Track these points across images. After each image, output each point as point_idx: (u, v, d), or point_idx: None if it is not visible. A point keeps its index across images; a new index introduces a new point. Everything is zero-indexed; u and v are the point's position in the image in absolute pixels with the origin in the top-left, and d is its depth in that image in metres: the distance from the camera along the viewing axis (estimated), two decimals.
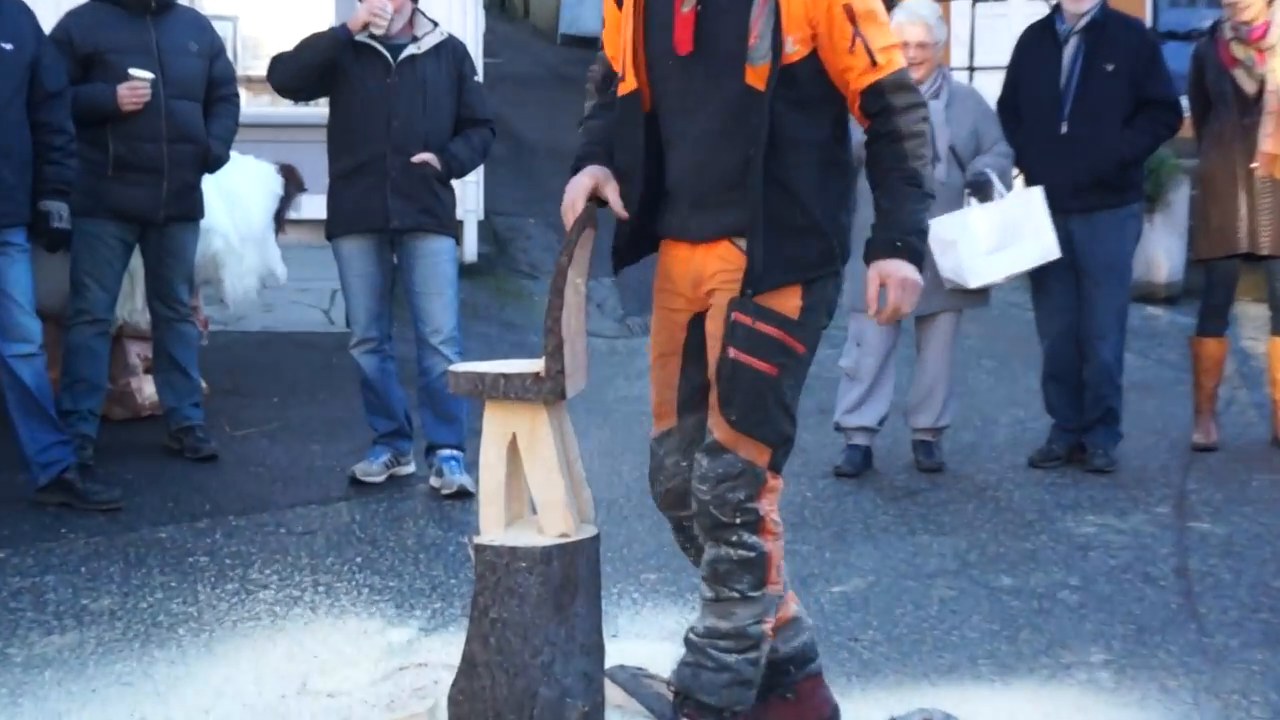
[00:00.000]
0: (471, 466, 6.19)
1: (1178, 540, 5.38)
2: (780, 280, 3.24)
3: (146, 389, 6.79)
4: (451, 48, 5.76)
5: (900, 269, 3.21)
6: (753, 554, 3.37)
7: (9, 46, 5.23)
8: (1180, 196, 9.94)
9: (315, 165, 6.43)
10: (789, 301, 3.25)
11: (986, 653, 4.27)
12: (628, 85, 3.39)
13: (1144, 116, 6.07)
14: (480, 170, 8.01)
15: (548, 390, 3.31)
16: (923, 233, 3.31)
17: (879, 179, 3.30)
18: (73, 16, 5.87)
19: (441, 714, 3.48)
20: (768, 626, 3.38)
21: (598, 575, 3.52)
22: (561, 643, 3.28)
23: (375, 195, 5.54)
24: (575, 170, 3.51)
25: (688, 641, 3.47)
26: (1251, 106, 6.36)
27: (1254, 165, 6.29)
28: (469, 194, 9.44)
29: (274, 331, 8.76)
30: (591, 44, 19.05)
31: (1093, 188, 5.99)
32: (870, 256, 3.25)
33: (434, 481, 5.75)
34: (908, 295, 3.24)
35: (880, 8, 3.32)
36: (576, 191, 3.43)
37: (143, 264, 6.15)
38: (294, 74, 5.62)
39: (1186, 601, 4.70)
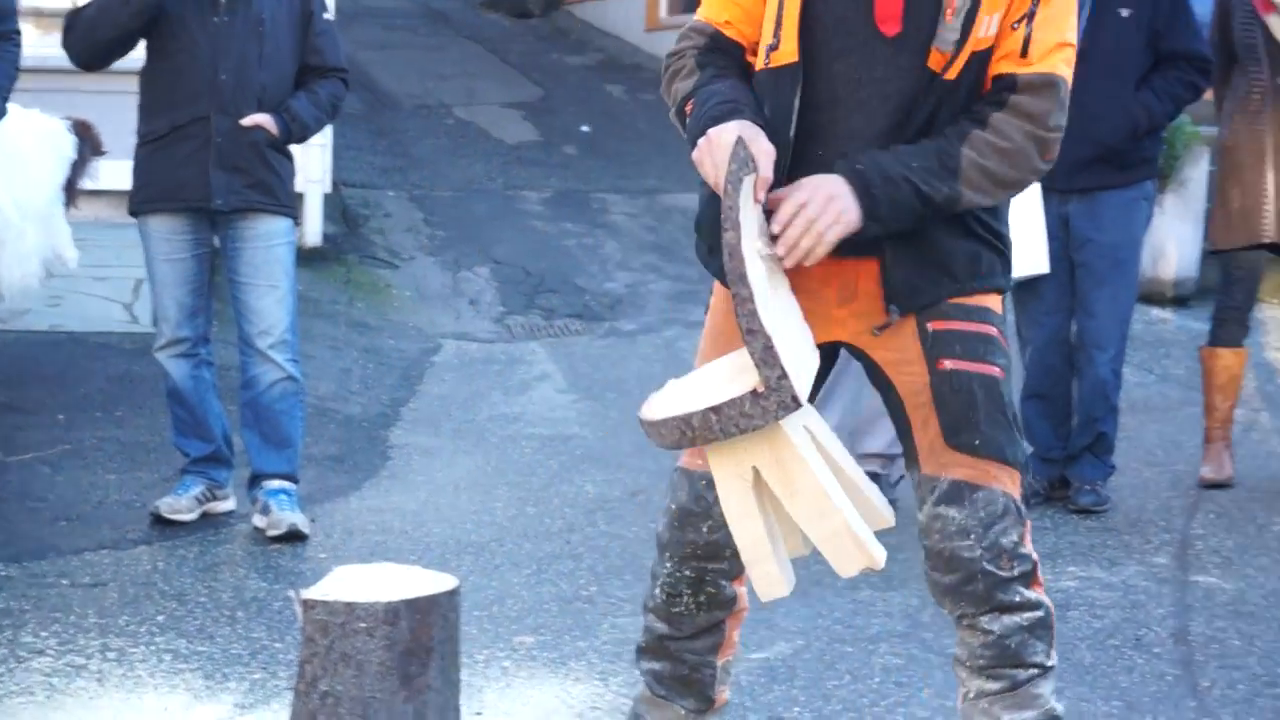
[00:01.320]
0: (306, 501, 6.37)
1: (1178, 598, 5.51)
2: (986, 284, 3.38)
3: None
4: None
5: (833, 184, 3.21)
6: (1041, 612, 3.43)
7: None
8: (1198, 173, 10.11)
9: (119, 123, 6.55)
10: (988, 300, 3.39)
11: None
12: (784, 56, 3.37)
13: (1164, 74, 6.19)
14: (328, 132, 8.08)
15: (776, 406, 3.14)
16: (896, 185, 3.26)
17: (935, 140, 3.33)
18: None
19: None
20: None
21: (456, 639, 3.57)
22: None
23: (194, 165, 5.58)
24: (721, 121, 3.38)
25: None
26: None
27: None
28: (313, 161, 9.66)
29: (62, 331, 8.92)
30: None
31: (1097, 162, 6.09)
32: (835, 169, 3.28)
33: (258, 520, 5.82)
34: (826, 217, 3.19)
35: (1074, 6, 3.40)
36: (723, 141, 3.30)
37: None
38: (90, 51, 5.72)
39: (1185, 673, 4.79)
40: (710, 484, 3.42)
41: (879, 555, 3.19)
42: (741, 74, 3.43)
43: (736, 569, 3.56)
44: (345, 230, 11.09)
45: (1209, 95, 7.00)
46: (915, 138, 3.28)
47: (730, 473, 3.24)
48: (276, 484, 5.78)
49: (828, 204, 3.17)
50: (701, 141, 3.28)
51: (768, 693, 4.57)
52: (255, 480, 5.80)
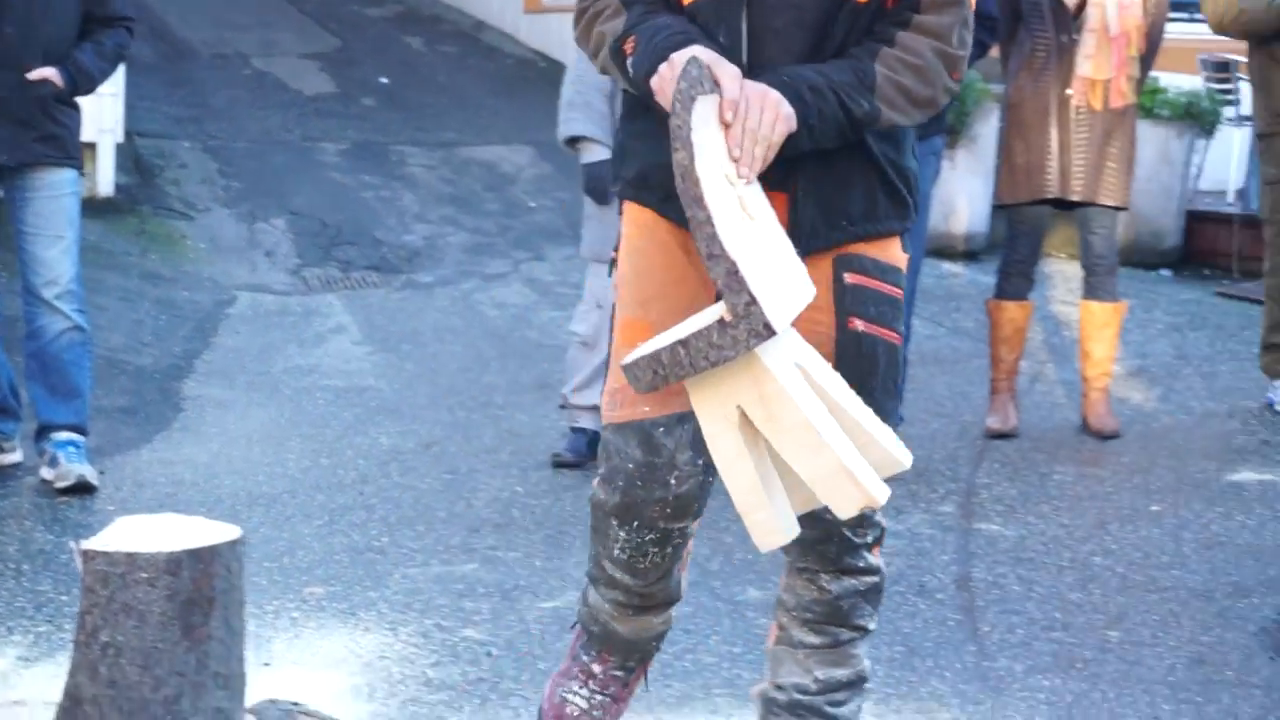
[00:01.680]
0: (95, 454, 6.31)
1: (961, 545, 5.62)
2: (891, 227, 3.31)
3: None
4: None
5: (763, 88, 3.10)
6: (877, 577, 3.45)
7: None
8: (988, 130, 10.29)
9: None
10: (894, 252, 3.32)
11: (724, 680, 4.41)
12: None
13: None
14: (120, 80, 7.97)
15: (746, 334, 2.89)
16: (822, 95, 3.16)
17: (840, 59, 3.24)
18: None
19: None
20: None
21: (240, 589, 3.56)
22: (191, 673, 3.26)
23: None
24: (665, 51, 3.24)
25: (792, 706, 3.51)
26: (1070, 21, 6.59)
27: (1069, 92, 6.57)
28: (105, 110, 9.53)
29: None
30: None
31: None
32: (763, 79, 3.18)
33: (45, 473, 5.76)
34: (767, 116, 3.07)
35: None
36: (676, 63, 3.18)
37: None
38: None
39: (967, 618, 4.91)
40: (667, 430, 3.30)
41: (879, 493, 3.00)
42: (667, 10, 3.31)
43: (693, 522, 3.46)
44: (139, 180, 10.91)
45: (995, 53, 7.13)
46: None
47: (715, 414, 3.03)
48: (64, 435, 5.73)
49: (764, 102, 3.05)
50: (663, 68, 3.14)
51: (557, 641, 4.60)
52: (42, 432, 5.74)
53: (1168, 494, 6.21)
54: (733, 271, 2.84)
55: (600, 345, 6.48)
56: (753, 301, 2.81)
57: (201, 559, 3.23)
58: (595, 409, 6.52)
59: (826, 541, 3.33)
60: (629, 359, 2.97)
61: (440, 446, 7.19)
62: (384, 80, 15.91)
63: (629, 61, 3.27)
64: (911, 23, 3.20)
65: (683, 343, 2.86)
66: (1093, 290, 6.68)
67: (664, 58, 3.13)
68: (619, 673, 3.74)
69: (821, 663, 3.40)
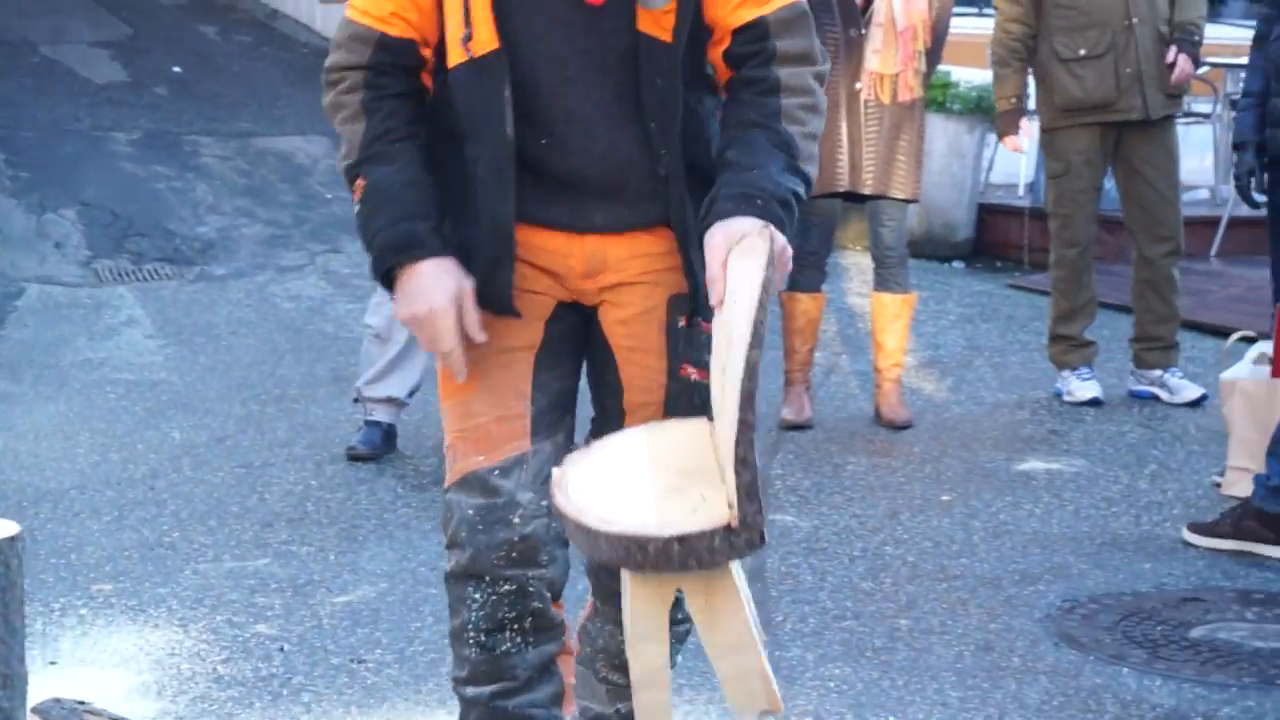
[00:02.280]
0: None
1: None
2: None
3: None
4: None
5: (743, 228, 2.97)
6: (685, 626, 3.27)
7: None
8: None
9: None
10: None
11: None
12: (483, 44, 3.05)
13: None
14: None
15: (744, 544, 2.79)
16: (790, 207, 3.03)
17: (734, 134, 3.10)
18: None
19: None
20: None
21: (20, 586, 3.47)
22: None
23: None
24: (401, 255, 3.09)
25: None
26: (858, 16, 6.72)
27: (859, 86, 6.70)
28: None
29: None
30: None
31: None
32: (715, 216, 2.99)
33: None
34: (738, 254, 2.92)
35: None
36: (441, 306, 3.06)
37: None
38: None
39: (760, 609, 4.92)
40: (504, 473, 3.14)
41: (779, 701, 2.94)
42: (413, 95, 3.14)
43: (556, 578, 3.27)
44: None
45: None
46: (649, 106, 3.06)
47: (650, 594, 2.91)
48: None
49: (783, 251, 2.95)
50: (400, 295, 3.05)
51: (350, 635, 4.62)
52: None
53: (958, 483, 6.35)
54: (754, 482, 2.74)
55: (395, 338, 6.46)
56: (759, 512, 2.70)
57: None
58: (390, 401, 6.59)
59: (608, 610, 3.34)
60: (598, 527, 2.80)
61: (233, 440, 7.10)
62: (177, 69, 15.61)
63: (357, 211, 3.14)
64: (778, 55, 3.06)
65: (681, 539, 2.72)
66: (883, 282, 6.77)
67: (385, 256, 3.03)
68: None
69: (625, 698, 3.28)
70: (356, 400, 6.57)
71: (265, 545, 5.81)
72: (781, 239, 2.89)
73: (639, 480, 2.93)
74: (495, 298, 3.08)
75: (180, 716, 4.25)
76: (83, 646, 4.61)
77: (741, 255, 2.92)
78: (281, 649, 4.63)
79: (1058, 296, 7.22)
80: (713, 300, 2.90)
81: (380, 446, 6.38)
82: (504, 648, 3.22)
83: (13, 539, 3.31)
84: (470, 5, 3.01)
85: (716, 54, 3.10)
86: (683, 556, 2.73)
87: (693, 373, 3.16)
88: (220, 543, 5.74)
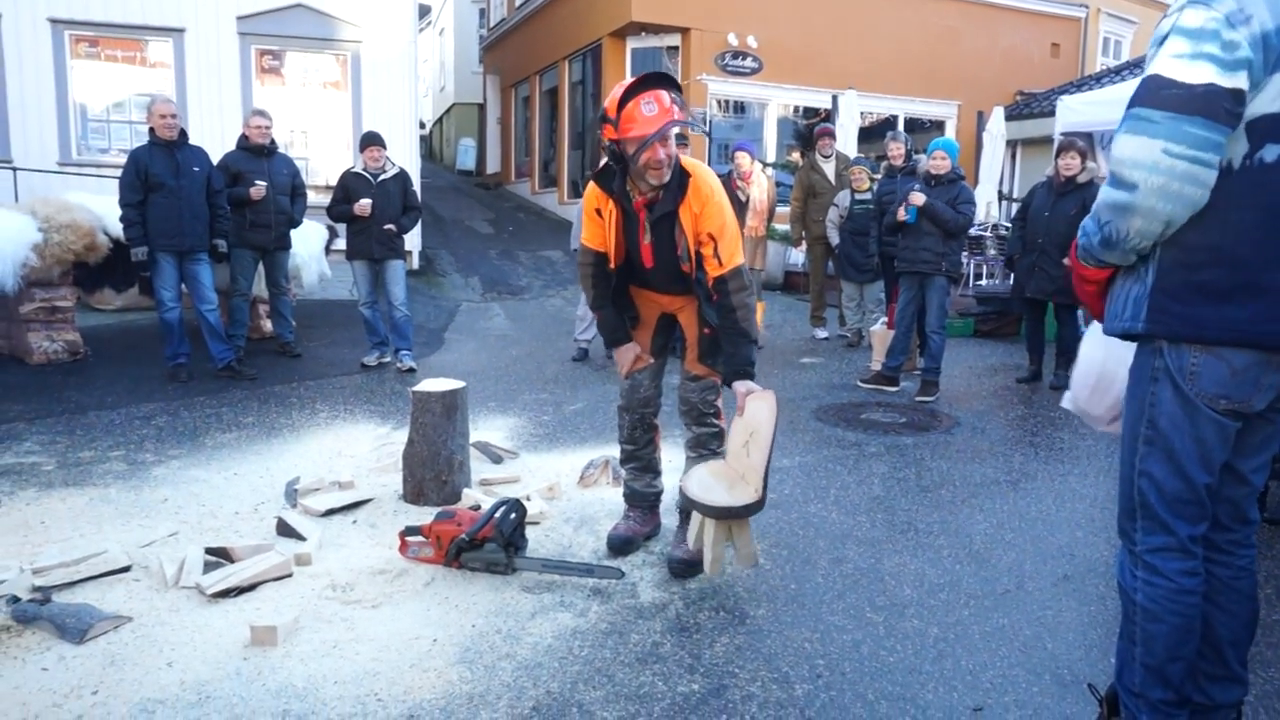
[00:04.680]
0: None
1: None
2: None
3: (266, 325, 13.85)
4: None
5: (748, 385, 5.54)
6: (718, 427, 5.90)
7: (197, 169, 11.36)
8: None
9: None
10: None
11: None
12: (614, 263, 5.77)
13: None
14: None
15: (757, 508, 5.18)
16: (754, 364, 5.53)
17: (723, 332, 5.56)
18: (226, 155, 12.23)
19: None
20: None
21: (465, 410, 6.97)
22: None
23: None
24: (615, 342, 6.03)
25: (694, 442, 6.25)
26: (743, 205, 11.66)
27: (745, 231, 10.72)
28: None
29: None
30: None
31: None
32: (729, 379, 5.56)
33: None
34: (759, 398, 5.38)
35: (731, 225, 5.58)
36: (624, 359, 6.03)
37: (264, 268, 12.83)
38: None
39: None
40: (640, 371, 6.24)
41: (759, 558, 5.40)
42: (609, 275, 5.88)
43: (656, 412, 6.22)
44: None
45: None
46: (685, 289, 5.89)
47: (719, 536, 5.25)
48: None
49: (751, 392, 5.55)
50: (617, 354, 6.00)
51: None
52: None
53: None
54: (765, 486, 5.13)
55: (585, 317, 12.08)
56: (764, 499, 5.21)
57: None
58: (585, 342, 12.17)
59: (691, 410, 6.13)
60: (710, 502, 5.36)
61: (530, 356, 12.70)
62: (511, 227, 24.27)
63: (597, 324, 6.19)
64: (729, 289, 5.70)
65: (743, 506, 5.21)
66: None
67: (609, 344, 6.14)
68: (642, 512, 6.57)
69: (695, 464, 6.01)
70: (575, 341, 12.72)
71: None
72: (754, 385, 5.57)
73: (713, 482, 5.32)
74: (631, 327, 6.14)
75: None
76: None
77: (755, 399, 5.48)
78: None
79: None
80: (738, 413, 5.58)
81: (581, 358, 12.31)
82: (635, 435, 6.34)
83: (460, 390, 7.15)
84: (613, 253, 5.83)
85: (708, 280, 5.70)
86: (739, 513, 5.14)
87: (707, 330, 5.85)
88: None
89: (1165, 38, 3.70)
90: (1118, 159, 3.65)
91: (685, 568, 5.96)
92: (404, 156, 19.10)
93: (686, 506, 5.55)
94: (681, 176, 5.63)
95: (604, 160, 5.67)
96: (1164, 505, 3.90)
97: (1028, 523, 7.29)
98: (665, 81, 5.45)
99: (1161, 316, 3.79)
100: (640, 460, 6.50)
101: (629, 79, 5.47)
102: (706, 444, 6.23)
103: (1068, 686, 4.95)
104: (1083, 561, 6.54)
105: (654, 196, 5.66)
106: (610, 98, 5.48)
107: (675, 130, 5.46)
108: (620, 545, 6.36)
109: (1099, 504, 7.72)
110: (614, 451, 8.44)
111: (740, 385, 5.65)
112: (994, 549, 6.75)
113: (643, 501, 6.57)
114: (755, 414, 5.45)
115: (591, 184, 5.83)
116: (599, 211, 5.78)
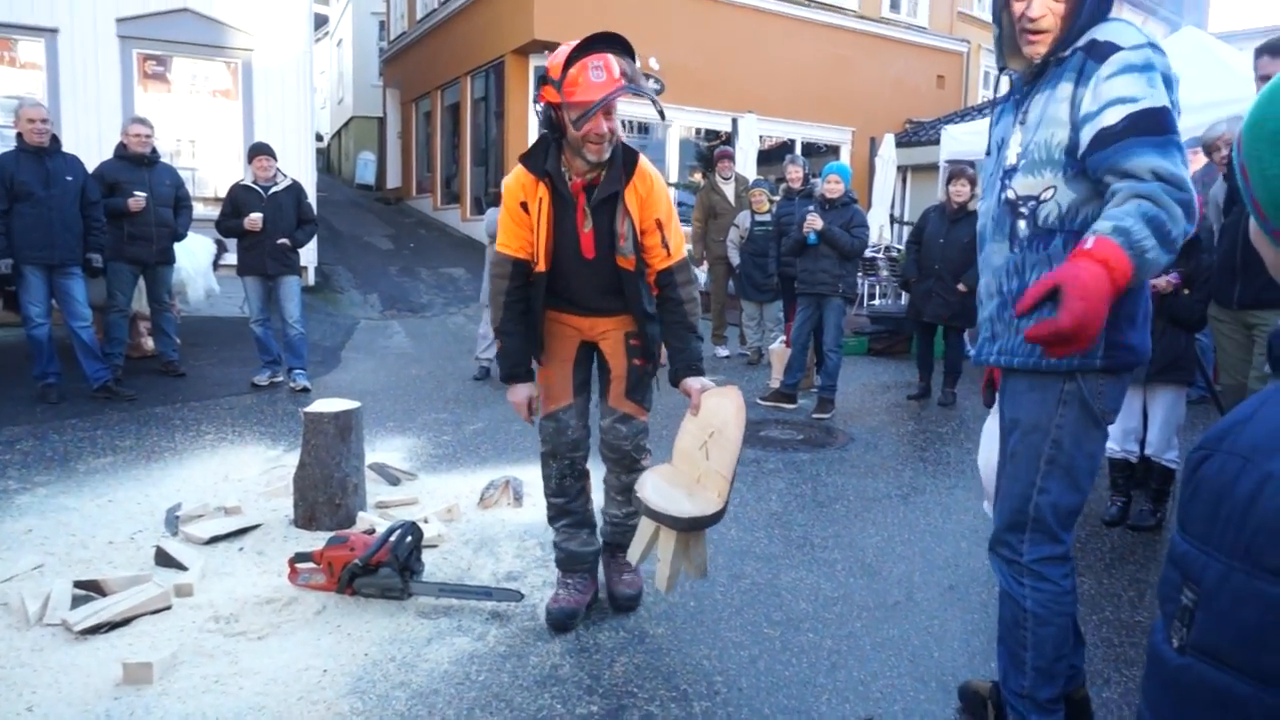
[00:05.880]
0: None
1: None
2: (652, 351, 5.58)
3: (147, 343, 13.42)
4: None
5: (702, 382, 5.29)
6: (644, 465, 5.68)
7: (70, 178, 10.96)
8: None
9: None
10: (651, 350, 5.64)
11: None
12: (541, 269, 5.27)
13: None
14: None
15: (718, 518, 4.96)
16: (701, 359, 5.33)
17: (670, 327, 5.37)
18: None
19: None
20: None
21: (359, 431, 6.45)
22: None
23: None
24: (512, 377, 5.53)
25: (618, 522, 5.95)
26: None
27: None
28: None
29: None
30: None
31: None
32: (679, 376, 5.35)
33: None
34: (719, 395, 5.06)
35: (675, 215, 5.27)
36: (521, 401, 5.53)
37: (145, 283, 12.57)
38: None
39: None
40: (564, 410, 5.73)
41: (707, 570, 5.12)
42: (527, 288, 5.40)
43: (585, 456, 5.79)
44: None
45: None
46: (626, 292, 5.40)
47: (677, 549, 4.97)
48: None
49: (704, 389, 5.29)
50: (509, 391, 5.53)
51: None
52: None
53: None
54: (728, 495, 4.91)
55: (486, 334, 11.85)
56: (725, 509, 4.89)
57: None
58: (486, 361, 12.10)
59: (623, 457, 5.73)
60: (673, 512, 4.96)
61: (429, 374, 12.62)
62: (412, 244, 24.33)
63: (496, 353, 6.51)
64: (677, 282, 5.48)
65: (697, 519, 4.91)
66: None
67: (507, 377, 5.58)
68: (581, 577, 6.00)
69: (626, 506, 5.86)
70: (476, 359, 12.67)
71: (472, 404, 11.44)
72: (706, 381, 5.32)
73: (670, 489, 5.02)
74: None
75: None
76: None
77: (714, 396, 5.19)
78: None
79: None
80: (691, 412, 5.27)
81: (483, 376, 12.21)
82: (565, 485, 5.77)
83: (355, 410, 7.12)
84: (541, 254, 5.31)
85: (650, 274, 5.41)
86: (706, 523, 4.85)
87: (636, 362, 5.51)
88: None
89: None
90: (1177, 176, 3.67)
91: (633, 602, 5.96)
92: (300, 169, 19.23)
93: (648, 517, 5.02)
94: (627, 153, 5.30)
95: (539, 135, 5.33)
96: (1057, 519, 4.19)
97: (917, 535, 7.72)
98: (617, 45, 5.04)
99: (1112, 350, 4.03)
100: (573, 515, 5.94)
101: (574, 42, 5.08)
102: (633, 489, 5.75)
103: (952, 693, 5.24)
104: (966, 571, 6.95)
105: (594, 177, 5.25)
106: (554, 56, 5.09)
107: (619, 101, 5.14)
108: (563, 621, 5.77)
109: (982, 516, 8.12)
110: (515, 472, 8.69)
111: (694, 382, 5.35)
112: (885, 561, 7.13)
113: (581, 564, 5.99)
114: (717, 412, 5.13)
115: (517, 170, 5.33)
116: (524, 206, 5.27)
